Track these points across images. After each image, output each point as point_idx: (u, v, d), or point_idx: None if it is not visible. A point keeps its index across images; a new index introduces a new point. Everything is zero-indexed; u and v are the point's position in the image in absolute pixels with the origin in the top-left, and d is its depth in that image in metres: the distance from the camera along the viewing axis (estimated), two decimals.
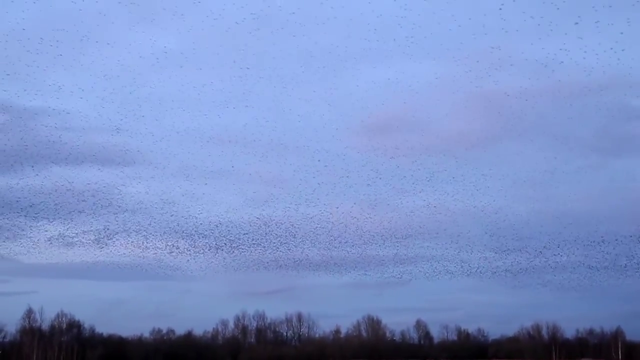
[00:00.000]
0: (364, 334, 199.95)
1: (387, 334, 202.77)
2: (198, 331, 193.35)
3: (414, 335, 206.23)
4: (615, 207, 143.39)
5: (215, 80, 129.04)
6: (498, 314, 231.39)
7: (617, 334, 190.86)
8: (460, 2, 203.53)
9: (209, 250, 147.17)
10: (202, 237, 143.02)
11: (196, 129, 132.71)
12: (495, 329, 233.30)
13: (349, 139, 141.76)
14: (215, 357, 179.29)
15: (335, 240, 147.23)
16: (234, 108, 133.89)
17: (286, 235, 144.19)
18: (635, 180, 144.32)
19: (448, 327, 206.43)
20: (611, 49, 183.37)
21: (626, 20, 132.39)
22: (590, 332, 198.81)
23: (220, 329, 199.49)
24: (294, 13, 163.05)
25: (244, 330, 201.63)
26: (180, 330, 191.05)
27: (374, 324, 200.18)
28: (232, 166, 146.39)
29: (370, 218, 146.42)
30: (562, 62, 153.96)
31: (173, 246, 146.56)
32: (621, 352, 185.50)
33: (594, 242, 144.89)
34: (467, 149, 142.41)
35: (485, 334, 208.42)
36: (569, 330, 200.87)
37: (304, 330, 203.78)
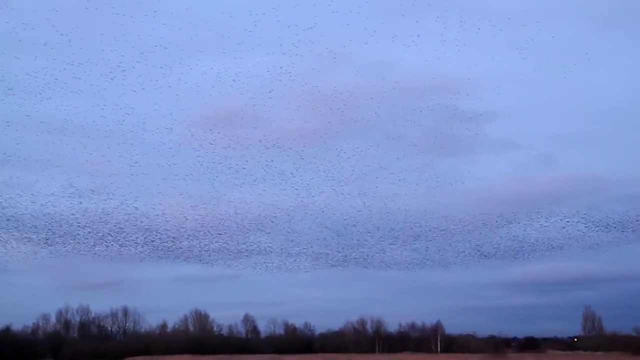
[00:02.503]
0: (191, 328, 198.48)
1: (215, 329, 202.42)
2: (17, 326, 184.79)
3: (241, 330, 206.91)
4: (440, 205, 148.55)
5: (43, 65, 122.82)
6: (325, 308, 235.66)
7: (437, 328, 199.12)
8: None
9: (31, 242, 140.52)
10: (24, 228, 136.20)
11: (20, 116, 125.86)
12: (322, 324, 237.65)
13: (183, 132, 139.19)
14: (36, 352, 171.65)
15: (165, 234, 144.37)
16: (61, 96, 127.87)
17: (114, 229, 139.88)
18: (459, 180, 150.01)
19: (275, 321, 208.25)
20: (443, 53, 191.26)
21: (458, 24, 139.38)
22: (412, 326, 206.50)
23: (41, 324, 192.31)
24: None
25: (67, 324, 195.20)
26: None
27: (201, 319, 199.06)
28: (58, 156, 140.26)
29: (203, 212, 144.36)
30: (398, 63, 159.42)
31: None
32: (440, 345, 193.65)
33: (418, 238, 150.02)
34: (303, 145, 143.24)
35: (312, 328, 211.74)
36: (393, 324, 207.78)
37: (130, 324, 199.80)
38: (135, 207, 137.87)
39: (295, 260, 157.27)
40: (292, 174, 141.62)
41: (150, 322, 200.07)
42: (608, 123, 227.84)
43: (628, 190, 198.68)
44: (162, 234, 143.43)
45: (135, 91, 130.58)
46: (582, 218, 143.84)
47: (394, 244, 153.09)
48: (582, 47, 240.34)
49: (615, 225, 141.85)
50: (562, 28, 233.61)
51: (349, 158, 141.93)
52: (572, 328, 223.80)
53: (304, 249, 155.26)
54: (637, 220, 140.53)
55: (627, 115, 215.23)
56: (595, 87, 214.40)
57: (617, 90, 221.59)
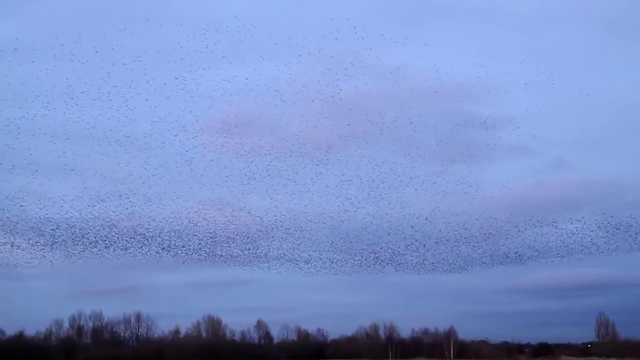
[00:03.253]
0: (203, 334, 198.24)
1: (227, 334, 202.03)
2: (30, 332, 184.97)
3: (254, 336, 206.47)
4: (454, 211, 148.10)
5: (55, 73, 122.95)
6: (338, 314, 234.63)
7: (450, 333, 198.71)
8: (315, 4, 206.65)
9: (45, 248, 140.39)
10: (39, 234, 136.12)
11: (34, 123, 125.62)
12: (335, 329, 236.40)
13: (198, 137, 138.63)
14: (49, 357, 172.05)
15: (179, 239, 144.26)
16: (75, 103, 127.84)
17: (128, 234, 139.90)
18: (475, 186, 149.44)
19: (288, 327, 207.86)
20: (457, 58, 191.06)
21: (472, 29, 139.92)
22: (425, 331, 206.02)
23: (54, 329, 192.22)
24: (139, 6, 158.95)
25: (80, 330, 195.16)
26: (11, 331, 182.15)
27: (214, 324, 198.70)
28: (74, 162, 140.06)
29: (218, 217, 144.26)
30: (412, 69, 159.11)
31: (6, 243, 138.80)
32: (453, 351, 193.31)
33: (432, 244, 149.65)
34: (317, 152, 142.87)
35: (325, 334, 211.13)
36: (405, 329, 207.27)
37: (143, 330, 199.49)
38: (151, 213, 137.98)
39: (308, 265, 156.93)
40: (306, 179, 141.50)
41: (162, 327, 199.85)
42: (621, 127, 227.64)
43: None
44: (175, 240, 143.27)
45: (153, 98, 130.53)
46: (596, 223, 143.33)
47: (408, 250, 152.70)
48: (596, 51, 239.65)
49: (629, 231, 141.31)
50: (575, 33, 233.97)
51: (363, 164, 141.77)
52: (585, 334, 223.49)
53: (317, 254, 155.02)
54: None
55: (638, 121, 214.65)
56: (608, 91, 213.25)
57: (629, 94, 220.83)
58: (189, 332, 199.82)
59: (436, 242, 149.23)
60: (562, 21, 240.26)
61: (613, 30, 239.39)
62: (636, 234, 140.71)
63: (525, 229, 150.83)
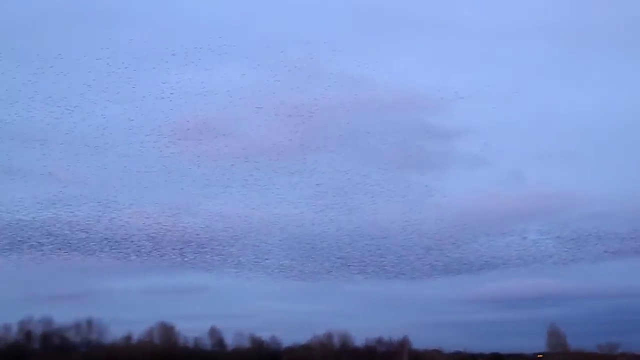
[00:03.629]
0: (156, 340, 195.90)
1: (181, 341, 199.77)
2: None
3: (207, 342, 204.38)
4: (410, 220, 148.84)
5: (12, 74, 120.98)
6: (293, 321, 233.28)
7: (404, 342, 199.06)
8: (277, 9, 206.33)
9: None
10: None
11: None
12: (289, 337, 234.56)
13: (154, 141, 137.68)
14: None
15: (134, 244, 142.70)
16: (29, 105, 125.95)
17: (80, 238, 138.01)
18: (431, 195, 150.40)
19: (242, 334, 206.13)
20: (417, 69, 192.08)
21: (431, 43, 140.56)
22: (379, 340, 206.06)
23: (2, 334, 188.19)
24: (99, 9, 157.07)
25: (29, 335, 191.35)
26: None
27: (167, 330, 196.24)
28: (26, 164, 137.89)
29: (173, 223, 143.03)
30: (373, 78, 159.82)
31: None
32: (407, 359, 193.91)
33: (388, 252, 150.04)
34: (276, 158, 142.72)
35: (279, 342, 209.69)
36: (360, 338, 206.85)
37: (94, 336, 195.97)
38: (104, 217, 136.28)
39: (265, 272, 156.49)
40: (264, 186, 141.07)
41: (114, 333, 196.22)
42: (576, 141, 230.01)
43: (594, 208, 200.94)
44: (129, 245, 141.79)
45: (107, 100, 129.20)
46: (550, 235, 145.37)
47: (364, 258, 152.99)
48: (553, 65, 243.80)
49: (581, 243, 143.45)
50: (534, 46, 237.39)
51: (321, 172, 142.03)
52: (537, 344, 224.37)
53: (273, 261, 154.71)
54: (602, 238, 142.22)
55: (594, 135, 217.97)
56: (564, 105, 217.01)
57: (585, 109, 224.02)
58: (141, 338, 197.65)
59: (392, 251, 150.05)
60: (522, 35, 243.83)
61: (573, 46, 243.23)
62: (588, 246, 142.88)
63: (480, 239, 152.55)
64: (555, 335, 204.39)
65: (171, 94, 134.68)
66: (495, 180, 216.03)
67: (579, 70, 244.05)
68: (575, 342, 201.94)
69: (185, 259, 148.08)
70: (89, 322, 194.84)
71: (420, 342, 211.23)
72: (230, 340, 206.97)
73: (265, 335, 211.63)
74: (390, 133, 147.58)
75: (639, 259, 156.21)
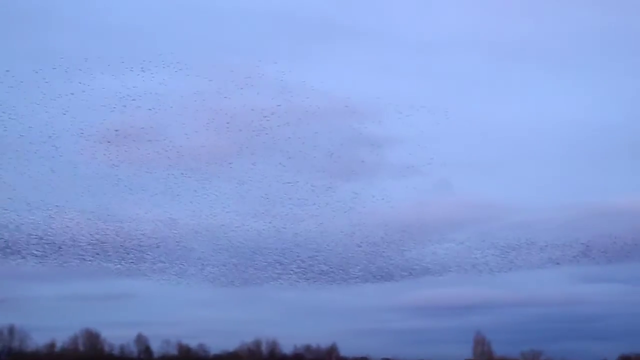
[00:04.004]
0: (80, 347, 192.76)
1: (106, 348, 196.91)
2: None
3: (133, 350, 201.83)
4: (341, 228, 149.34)
5: None
6: (220, 329, 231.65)
7: (332, 350, 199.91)
8: (208, 16, 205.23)
9: None
10: None
11: None
12: (217, 344, 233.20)
13: (79, 146, 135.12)
14: None
15: (59, 249, 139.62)
16: None
17: (4, 243, 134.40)
18: (361, 204, 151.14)
19: (169, 341, 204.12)
20: (350, 77, 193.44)
21: (365, 51, 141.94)
22: (307, 348, 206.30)
23: None
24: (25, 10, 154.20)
25: None
26: None
27: (92, 338, 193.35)
28: None
29: (100, 228, 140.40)
30: (305, 86, 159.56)
31: None
32: None
33: (317, 260, 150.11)
34: (204, 165, 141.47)
35: (207, 349, 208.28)
36: (287, 346, 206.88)
37: (16, 343, 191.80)
38: (27, 221, 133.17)
39: (193, 279, 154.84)
40: (192, 193, 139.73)
41: (37, 341, 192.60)
42: (503, 152, 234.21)
43: (523, 217, 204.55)
44: (53, 250, 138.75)
45: (34, 103, 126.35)
46: (477, 244, 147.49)
47: (292, 266, 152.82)
48: (483, 76, 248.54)
49: (508, 252, 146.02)
50: (464, 57, 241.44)
51: (251, 179, 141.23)
52: (463, 352, 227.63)
53: (202, 268, 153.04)
54: (529, 247, 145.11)
55: (521, 146, 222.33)
56: (493, 116, 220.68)
57: (514, 120, 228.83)
58: (65, 345, 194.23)
59: (322, 258, 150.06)
60: (454, 46, 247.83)
61: (502, 58, 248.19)
62: (514, 255, 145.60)
63: (409, 247, 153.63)
64: (480, 343, 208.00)
65: (99, 98, 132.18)
66: (426, 189, 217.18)
67: (508, 82, 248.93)
68: (500, 350, 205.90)
69: (112, 265, 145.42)
70: (11, 329, 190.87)
71: (348, 349, 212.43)
72: (157, 348, 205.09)
73: (192, 343, 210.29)
74: (321, 141, 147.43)
75: (563, 268, 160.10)
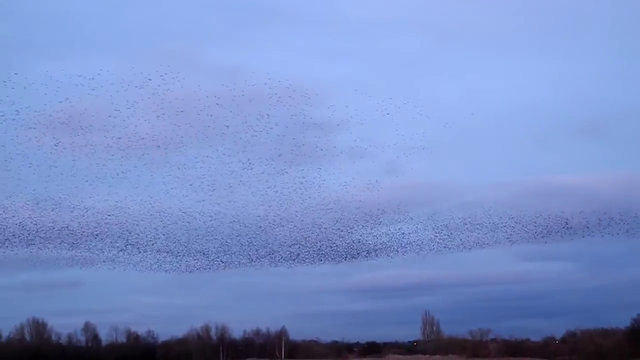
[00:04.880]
0: (27, 337, 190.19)
1: (53, 337, 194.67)
2: None
3: (81, 338, 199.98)
4: (290, 212, 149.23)
5: None
6: (169, 315, 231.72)
7: (281, 334, 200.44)
8: (151, 2, 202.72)
9: None
10: None
11: None
12: (166, 331, 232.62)
13: (27, 133, 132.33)
14: None
15: (4, 239, 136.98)
16: None
17: None
18: (310, 188, 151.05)
19: (117, 329, 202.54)
20: (295, 61, 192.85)
21: (309, 35, 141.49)
22: (257, 332, 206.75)
23: None
24: None
25: None
26: None
27: (38, 327, 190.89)
28: None
29: (47, 217, 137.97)
30: (250, 70, 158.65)
31: None
32: (284, 351, 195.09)
33: (265, 245, 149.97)
34: (153, 151, 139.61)
35: (155, 336, 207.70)
36: (237, 330, 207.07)
37: None
38: None
39: (141, 267, 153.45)
40: (140, 179, 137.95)
41: None
42: (448, 133, 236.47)
43: (466, 198, 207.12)
44: (2, 240, 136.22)
45: None
46: (424, 225, 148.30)
47: (241, 251, 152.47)
48: (427, 59, 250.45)
49: (454, 232, 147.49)
50: (408, 40, 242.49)
51: (198, 165, 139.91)
52: (412, 332, 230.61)
53: (150, 255, 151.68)
54: (474, 228, 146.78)
55: (465, 128, 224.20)
56: (437, 98, 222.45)
57: (457, 102, 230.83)
58: (11, 335, 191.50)
59: (270, 243, 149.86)
60: (397, 29, 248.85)
61: (445, 40, 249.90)
62: (460, 235, 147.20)
63: (358, 230, 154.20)
64: (429, 323, 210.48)
65: (42, 85, 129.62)
66: (372, 172, 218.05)
67: (451, 64, 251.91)
68: (449, 329, 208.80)
69: (58, 254, 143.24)
70: None
71: (297, 333, 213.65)
72: (105, 336, 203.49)
73: (141, 330, 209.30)
74: (268, 126, 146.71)
75: (508, 247, 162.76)
